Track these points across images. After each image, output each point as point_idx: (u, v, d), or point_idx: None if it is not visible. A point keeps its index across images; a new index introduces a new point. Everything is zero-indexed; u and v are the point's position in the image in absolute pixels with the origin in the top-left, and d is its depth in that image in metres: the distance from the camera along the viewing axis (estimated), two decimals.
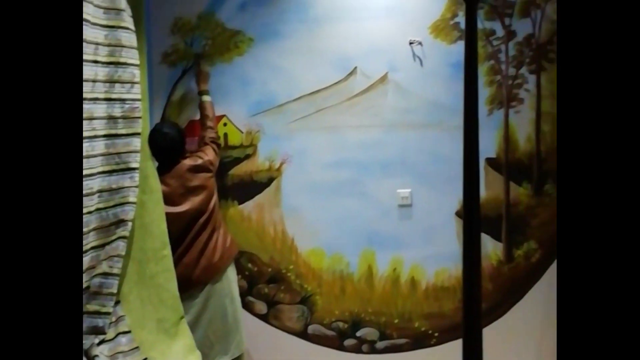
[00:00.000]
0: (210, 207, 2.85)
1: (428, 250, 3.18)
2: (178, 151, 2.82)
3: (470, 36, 2.03)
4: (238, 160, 3.25)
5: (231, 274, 2.97)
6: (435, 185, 3.16)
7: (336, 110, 3.20)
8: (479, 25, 3.06)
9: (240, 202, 3.27)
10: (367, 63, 3.17)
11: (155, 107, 3.22)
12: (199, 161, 2.85)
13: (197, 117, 3.16)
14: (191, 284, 2.73)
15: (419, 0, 3.13)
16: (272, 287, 3.28)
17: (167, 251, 2.37)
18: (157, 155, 2.78)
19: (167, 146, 2.76)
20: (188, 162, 2.83)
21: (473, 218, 1.99)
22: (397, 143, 3.18)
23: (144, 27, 2.49)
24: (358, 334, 3.27)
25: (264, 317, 3.30)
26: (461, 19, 3.10)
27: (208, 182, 2.87)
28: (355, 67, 3.18)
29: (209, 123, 3.05)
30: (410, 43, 3.14)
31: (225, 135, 3.23)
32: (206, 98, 3.10)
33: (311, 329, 3.28)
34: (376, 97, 3.19)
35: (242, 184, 3.22)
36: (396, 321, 3.24)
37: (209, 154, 2.92)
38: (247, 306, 3.27)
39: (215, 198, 2.92)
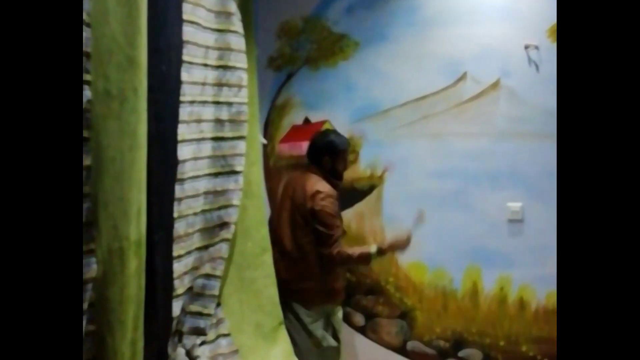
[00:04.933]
0: None
1: (540, 269, 2.95)
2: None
3: None
4: None
5: None
6: (549, 200, 2.92)
7: (443, 117, 3.07)
8: None
9: (340, 210, 3.21)
10: (478, 68, 3.01)
11: (259, 111, 3.24)
12: None
13: (300, 122, 3.15)
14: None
15: (536, 2, 2.93)
16: (371, 299, 3.19)
17: (267, 257, 2.36)
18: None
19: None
20: None
21: None
22: (508, 154, 2.99)
23: (253, 31, 2.50)
24: (460, 354, 3.10)
25: (361, 330, 3.22)
26: None
27: None
28: (465, 72, 3.03)
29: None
30: (526, 47, 2.95)
31: None
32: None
33: (410, 345, 3.16)
34: (487, 104, 3.02)
35: (342, 191, 3.14)
36: (502, 343, 3.04)
37: None
38: (345, 317, 3.20)
39: None
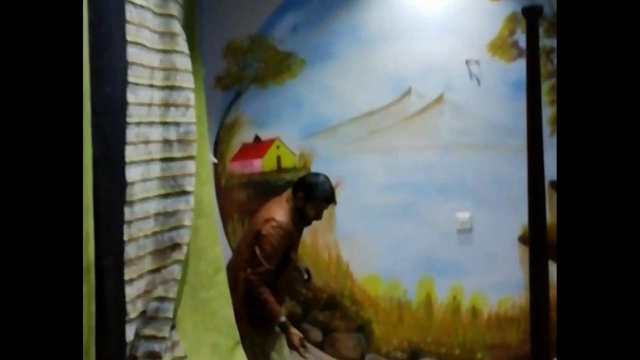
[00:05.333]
0: None
1: (490, 277, 3.04)
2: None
3: (532, 53, 1.94)
4: (291, 184, 3.19)
5: None
6: (496, 209, 3.03)
7: (390, 131, 3.13)
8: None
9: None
10: (422, 83, 3.10)
11: (209, 131, 3.22)
12: None
13: (250, 140, 3.15)
14: None
15: (475, 18, 3.05)
16: (327, 314, 3.20)
17: (221, 276, 2.32)
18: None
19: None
20: None
21: (540, 244, 1.88)
22: (454, 165, 3.07)
23: (198, 51, 2.49)
24: None
25: (319, 345, 3.21)
26: (520, 36, 3.00)
27: None
28: (410, 88, 3.11)
29: None
30: (467, 62, 3.05)
31: (278, 158, 3.20)
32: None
33: (368, 358, 3.18)
34: (432, 117, 3.11)
35: None
36: (457, 352, 3.10)
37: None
38: (302, 333, 3.18)
39: None
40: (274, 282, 2.63)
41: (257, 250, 2.57)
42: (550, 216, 2.93)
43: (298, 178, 2.80)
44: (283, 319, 2.61)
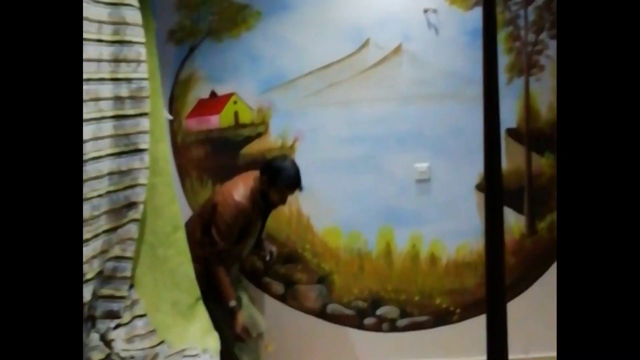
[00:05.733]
0: None
1: (448, 225, 3.11)
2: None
3: (488, 0, 1.93)
4: (249, 139, 3.16)
5: None
6: (453, 158, 3.07)
7: (349, 84, 3.11)
8: None
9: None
10: (380, 34, 3.07)
11: (163, 87, 3.13)
12: None
13: (206, 96, 3.09)
14: None
15: None
16: (289, 267, 3.23)
17: (180, 234, 2.32)
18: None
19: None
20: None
21: (495, 192, 1.90)
22: (413, 116, 3.09)
23: (149, 3, 2.41)
24: (378, 312, 3.22)
25: (281, 298, 3.25)
26: None
27: None
28: (368, 39, 3.08)
29: None
30: (425, 11, 3.03)
31: (236, 113, 3.15)
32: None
33: (330, 308, 3.23)
34: (390, 68, 3.09)
35: (254, 163, 3.10)
36: (417, 298, 3.19)
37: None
38: (263, 287, 3.22)
39: None
40: (228, 260, 2.68)
41: (213, 230, 2.61)
42: (506, 164, 3.02)
43: (265, 160, 2.78)
44: (233, 303, 2.65)
